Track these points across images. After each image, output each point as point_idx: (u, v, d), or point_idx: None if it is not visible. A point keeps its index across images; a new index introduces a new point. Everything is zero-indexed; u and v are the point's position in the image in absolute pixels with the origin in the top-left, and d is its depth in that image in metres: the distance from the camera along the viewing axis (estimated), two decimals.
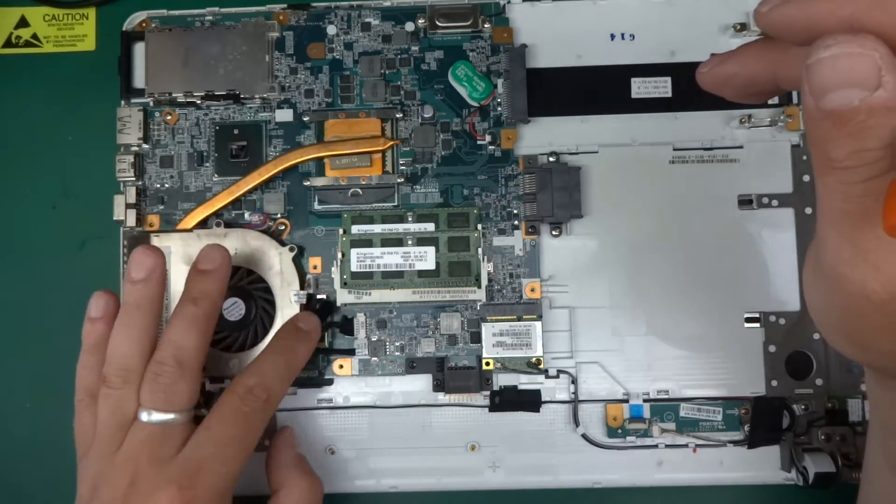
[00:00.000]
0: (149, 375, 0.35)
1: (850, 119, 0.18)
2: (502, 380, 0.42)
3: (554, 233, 0.42)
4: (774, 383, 0.41)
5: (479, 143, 0.43)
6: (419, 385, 0.42)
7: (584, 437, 0.42)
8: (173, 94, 0.43)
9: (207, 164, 0.44)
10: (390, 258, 0.42)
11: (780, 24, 0.20)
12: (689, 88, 0.43)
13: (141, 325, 0.36)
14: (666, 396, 0.42)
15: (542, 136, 0.43)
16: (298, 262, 0.43)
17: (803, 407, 0.41)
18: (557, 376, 0.42)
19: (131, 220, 0.43)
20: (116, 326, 0.36)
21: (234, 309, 0.41)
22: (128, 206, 0.43)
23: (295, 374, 0.39)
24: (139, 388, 0.35)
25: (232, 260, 0.39)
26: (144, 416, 0.35)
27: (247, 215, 0.43)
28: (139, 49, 0.44)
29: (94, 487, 0.35)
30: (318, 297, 0.42)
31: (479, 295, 0.42)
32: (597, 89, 0.43)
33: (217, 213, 0.43)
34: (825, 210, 0.21)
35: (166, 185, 0.44)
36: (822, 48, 0.18)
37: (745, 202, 0.42)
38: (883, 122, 0.18)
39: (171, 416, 0.35)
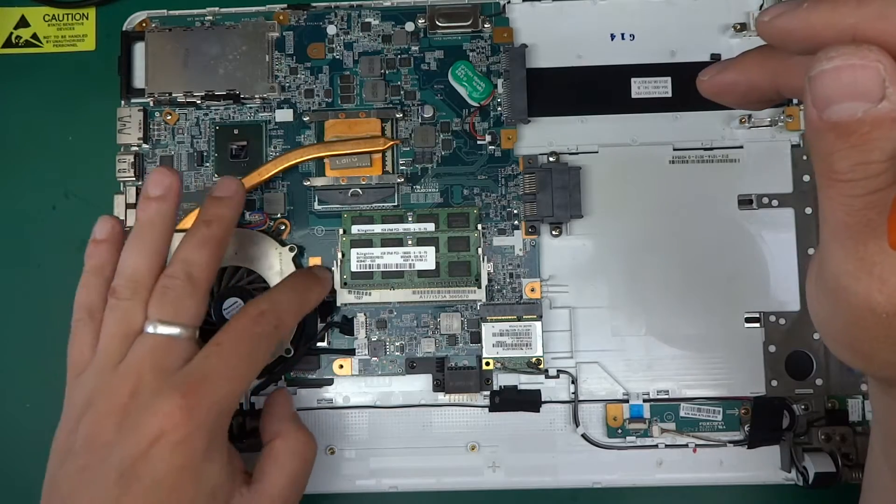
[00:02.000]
0: (158, 289, 0.35)
1: (853, 131, 0.18)
2: (502, 380, 0.42)
3: (554, 233, 0.42)
4: (774, 383, 0.41)
5: (479, 143, 0.43)
6: (419, 385, 0.42)
7: (584, 437, 0.42)
8: (173, 94, 0.43)
9: (207, 164, 0.44)
10: (390, 258, 0.42)
11: (781, 34, 0.20)
12: (689, 88, 0.43)
13: (154, 241, 0.36)
14: (666, 396, 0.42)
15: (542, 136, 0.43)
16: (298, 262, 0.43)
17: (803, 407, 0.41)
18: (557, 376, 0.42)
19: (131, 220, 0.43)
20: (129, 241, 0.36)
21: (234, 309, 0.41)
22: (128, 206, 0.43)
23: (305, 312, 0.39)
24: (147, 302, 0.35)
25: (232, 258, 0.39)
26: (150, 328, 0.34)
27: (247, 215, 0.43)
28: (139, 49, 0.44)
29: (88, 401, 0.34)
30: None
31: (479, 295, 0.42)
32: (597, 89, 0.43)
33: None
34: (828, 222, 0.21)
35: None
36: (825, 60, 0.18)
37: (745, 202, 0.42)
38: (887, 135, 0.18)
39: (177, 329, 0.34)
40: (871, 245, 0.20)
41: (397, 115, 0.43)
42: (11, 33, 0.46)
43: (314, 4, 0.44)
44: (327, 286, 0.41)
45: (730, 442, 0.42)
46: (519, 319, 0.41)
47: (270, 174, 0.43)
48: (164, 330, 0.34)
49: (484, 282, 0.41)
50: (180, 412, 0.32)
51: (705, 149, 0.43)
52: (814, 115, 0.19)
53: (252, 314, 0.36)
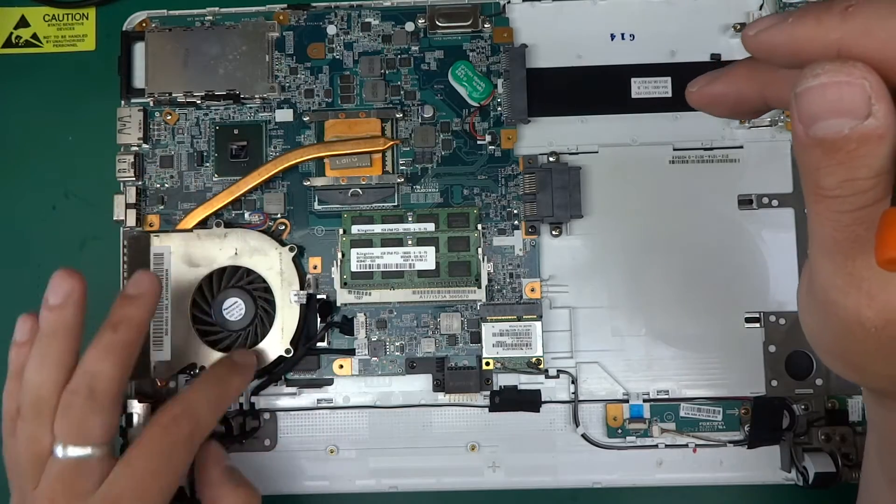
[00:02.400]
0: (61, 407, 0.33)
1: (840, 148, 0.18)
2: (502, 380, 0.42)
3: (554, 233, 0.42)
4: (774, 383, 0.41)
5: (479, 143, 0.43)
6: (419, 385, 0.42)
7: (584, 437, 0.42)
8: (173, 94, 0.43)
9: (207, 164, 0.44)
10: (390, 258, 0.42)
11: (767, 49, 0.20)
12: None
13: (56, 353, 0.34)
14: (666, 396, 0.42)
15: (542, 136, 0.43)
16: (298, 262, 0.43)
17: (803, 407, 0.41)
18: (557, 376, 0.42)
19: (131, 220, 0.43)
20: (31, 355, 0.34)
21: (234, 309, 0.42)
22: (128, 206, 0.43)
23: (226, 406, 0.38)
24: (52, 422, 0.33)
25: (232, 259, 0.39)
26: (59, 451, 0.33)
27: (247, 215, 0.43)
28: (139, 49, 0.44)
29: None
30: (318, 297, 0.42)
31: (479, 295, 0.42)
32: (597, 89, 0.43)
33: (217, 213, 0.43)
34: (816, 236, 0.20)
35: (166, 185, 0.44)
36: (811, 76, 0.18)
37: (745, 202, 0.42)
38: (874, 151, 0.18)
39: (86, 450, 0.33)
40: (860, 261, 0.20)
41: (397, 115, 0.43)
42: (11, 33, 0.46)
43: (314, 4, 0.44)
44: (250, 371, 0.39)
45: (730, 442, 0.42)
46: (519, 319, 0.41)
47: (270, 174, 0.43)
48: (72, 452, 0.33)
49: (484, 282, 0.41)
50: None
51: (705, 149, 0.43)
52: (800, 132, 0.18)
53: (163, 422, 0.34)
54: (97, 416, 0.33)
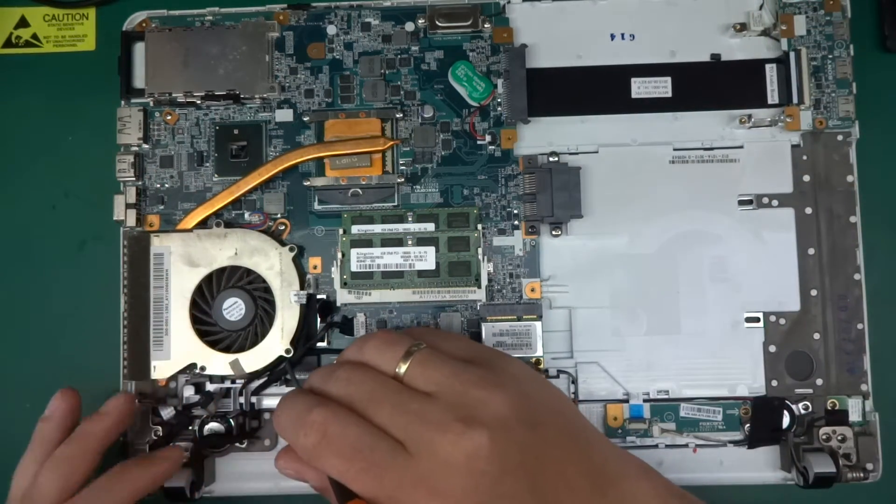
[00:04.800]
0: None
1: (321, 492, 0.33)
2: None
3: (554, 233, 0.42)
4: (774, 383, 0.41)
5: (479, 143, 0.43)
6: None
7: None
8: (173, 94, 0.43)
9: (207, 164, 0.44)
10: (390, 258, 0.42)
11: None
12: (689, 88, 0.43)
13: (31, 459, 0.37)
14: (666, 396, 0.42)
15: (542, 136, 0.43)
16: (298, 262, 0.43)
17: (803, 407, 0.41)
18: (557, 376, 0.42)
19: (131, 220, 0.43)
20: (24, 454, 0.38)
21: (234, 309, 0.42)
22: (128, 206, 0.43)
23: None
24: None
25: (232, 259, 0.39)
26: None
27: (247, 215, 0.43)
28: (139, 49, 0.44)
29: None
30: (319, 297, 0.42)
31: (479, 295, 0.42)
32: (597, 89, 0.43)
33: (217, 213, 0.43)
34: None
35: (166, 185, 0.44)
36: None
37: (745, 202, 0.42)
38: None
39: None
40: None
41: (397, 115, 0.43)
42: (11, 33, 0.46)
43: (314, 4, 0.44)
44: (169, 472, 0.39)
45: (730, 442, 0.42)
46: (519, 319, 0.41)
47: (270, 174, 0.43)
48: None
49: (484, 282, 0.41)
50: None
51: (705, 149, 0.43)
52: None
53: None
54: None
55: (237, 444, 0.42)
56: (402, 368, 0.31)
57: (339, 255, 0.42)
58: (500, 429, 0.29)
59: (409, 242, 0.42)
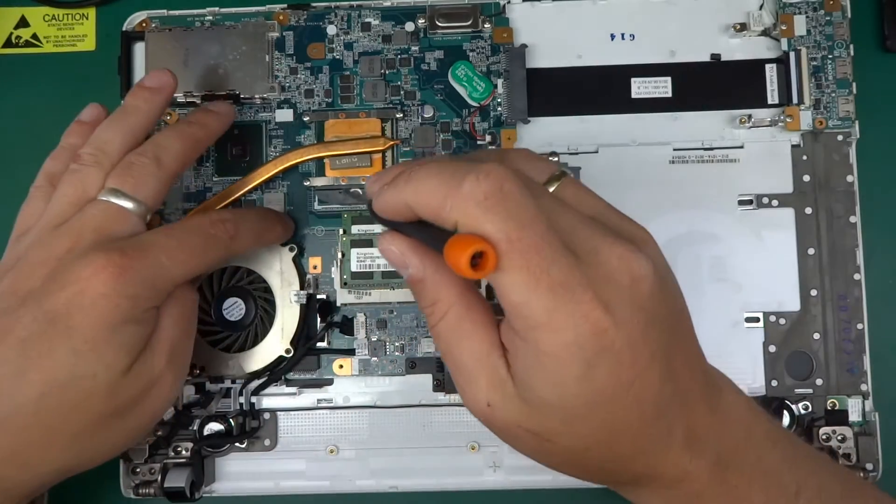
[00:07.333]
0: (123, 163, 0.34)
1: (413, 285, 0.28)
2: None
3: None
4: (774, 383, 0.41)
5: (479, 143, 0.43)
6: (419, 385, 0.42)
7: None
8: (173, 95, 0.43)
9: (207, 164, 0.44)
10: None
11: (382, 210, 0.28)
12: (689, 88, 0.43)
13: (133, 122, 0.36)
14: None
15: (542, 136, 0.43)
16: (298, 262, 0.43)
17: (803, 407, 0.41)
18: None
19: None
20: (107, 119, 0.36)
21: (234, 309, 0.42)
22: None
23: (259, 245, 0.40)
24: (108, 174, 0.34)
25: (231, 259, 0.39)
26: (104, 196, 0.33)
27: None
28: (139, 49, 0.44)
29: (22, 257, 0.33)
30: (319, 297, 0.42)
31: None
32: (597, 89, 0.43)
33: None
34: (453, 356, 0.28)
35: None
36: (379, 243, 0.29)
37: (744, 202, 0.42)
38: (422, 288, 0.28)
39: (131, 203, 0.33)
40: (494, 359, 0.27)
41: (397, 116, 0.43)
42: (11, 33, 0.46)
43: (314, 4, 0.44)
44: (289, 233, 0.42)
45: None
46: None
47: (270, 174, 0.43)
48: (117, 200, 0.33)
49: (484, 281, 0.41)
50: (112, 268, 0.30)
51: (705, 149, 0.43)
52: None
53: (213, 217, 0.36)
54: (154, 179, 0.34)
55: (237, 444, 0.42)
56: (552, 188, 0.29)
57: (339, 255, 0.42)
58: (657, 271, 0.27)
59: None
